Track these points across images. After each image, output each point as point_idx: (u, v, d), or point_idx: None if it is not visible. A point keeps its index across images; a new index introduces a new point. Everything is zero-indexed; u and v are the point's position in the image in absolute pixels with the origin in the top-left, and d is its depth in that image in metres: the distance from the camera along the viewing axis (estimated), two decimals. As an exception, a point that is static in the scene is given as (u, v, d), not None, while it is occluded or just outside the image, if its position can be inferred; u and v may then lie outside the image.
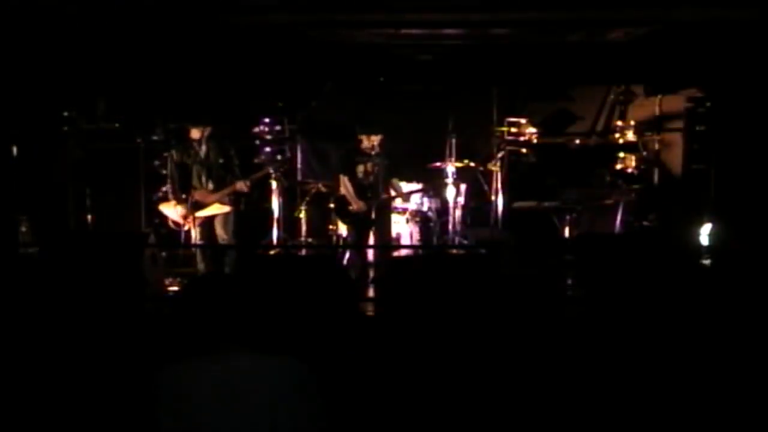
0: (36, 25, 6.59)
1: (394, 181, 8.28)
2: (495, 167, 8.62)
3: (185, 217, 7.78)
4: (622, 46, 7.82)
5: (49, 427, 4.63)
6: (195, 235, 7.89)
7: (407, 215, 8.42)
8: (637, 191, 8.68)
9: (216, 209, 7.92)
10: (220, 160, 7.95)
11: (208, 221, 7.96)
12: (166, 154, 8.31)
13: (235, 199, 8.08)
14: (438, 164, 8.47)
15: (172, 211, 7.90)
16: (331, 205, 8.28)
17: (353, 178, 8.03)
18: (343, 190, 8.06)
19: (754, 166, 6.67)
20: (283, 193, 8.42)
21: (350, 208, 8.01)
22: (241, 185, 7.85)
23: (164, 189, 8.10)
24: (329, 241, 8.43)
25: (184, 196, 7.78)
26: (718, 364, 4.66)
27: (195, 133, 7.91)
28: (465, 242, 8.36)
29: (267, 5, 6.48)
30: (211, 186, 7.89)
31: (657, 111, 9.19)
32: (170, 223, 7.96)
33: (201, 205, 7.84)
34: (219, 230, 7.97)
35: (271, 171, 8.30)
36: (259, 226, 8.63)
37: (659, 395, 4.54)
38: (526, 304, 5.28)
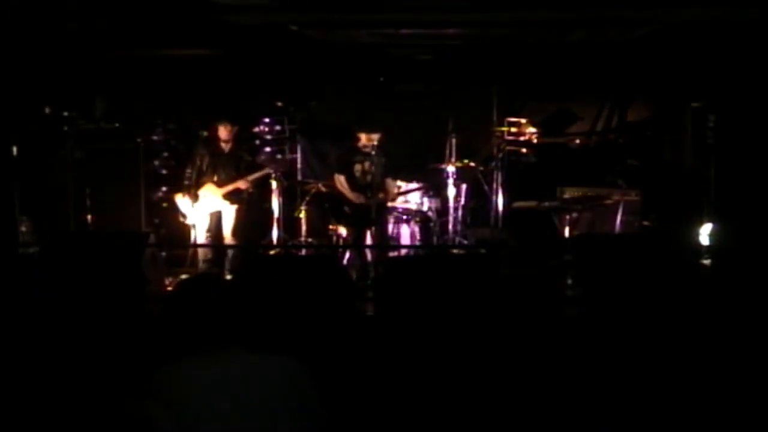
0: (36, 25, 6.60)
1: (389, 181, 8.25)
2: (495, 167, 8.61)
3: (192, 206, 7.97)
4: (622, 46, 7.81)
5: (48, 426, 4.63)
6: (198, 229, 8.04)
7: (406, 215, 8.41)
8: (637, 191, 8.67)
9: (222, 206, 8.12)
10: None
11: (216, 217, 8.11)
12: (166, 155, 8.44)
13: (237, 198, 8.18)
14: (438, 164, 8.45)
15: (185, 201, 8.04)
16: (326, 205, 8.30)
17: (351, 177, 8.02)
18: (338, 188, 8.06)
19: (754, 166, 6.66)
20: (283, 193, 8.42)
21: (345, 208, 8.00)
22: (243, 183, 8.12)
23: (186, 176, 8.13)
24: (329, 241, 8.42)
25: (194, 190, 7.99)
26: (718, 364, 4.66)
27: (223, 132, 8.15)
28: (465, 242, 8.35)
29: (267, 5, 6.48)
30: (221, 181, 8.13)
31: (657, 111, 9.19)
32: (180, 217, 8.10)
33: (208, 199, 8.05)
34: (225, 230, 8.17)
35: (271, 171, 8.32)
36: (259, 226, 8.64)
37: (658, 395, 4.54)
38: (526, 304, 5.28)
